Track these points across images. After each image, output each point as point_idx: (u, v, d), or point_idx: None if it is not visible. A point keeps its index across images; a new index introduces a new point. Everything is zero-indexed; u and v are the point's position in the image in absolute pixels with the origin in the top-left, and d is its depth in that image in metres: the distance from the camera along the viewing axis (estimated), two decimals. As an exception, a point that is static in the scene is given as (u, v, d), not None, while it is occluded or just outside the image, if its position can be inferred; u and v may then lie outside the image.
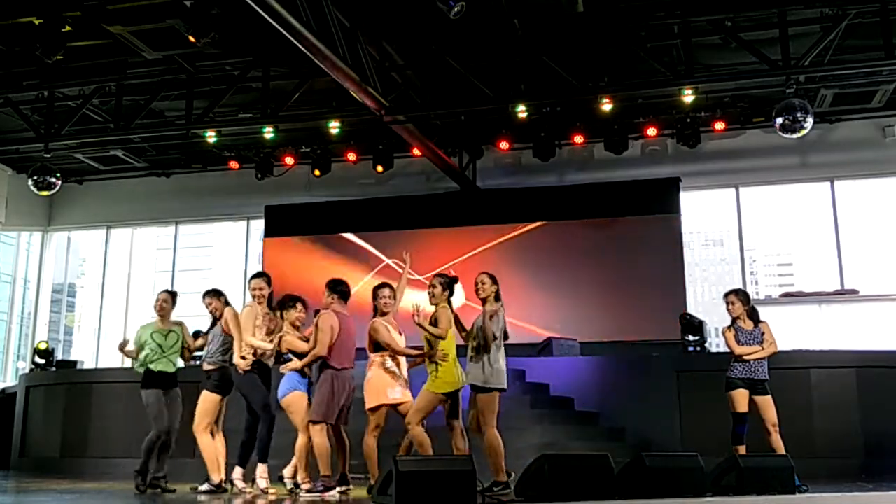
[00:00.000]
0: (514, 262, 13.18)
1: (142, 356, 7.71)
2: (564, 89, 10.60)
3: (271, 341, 7.26)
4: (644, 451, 7.00)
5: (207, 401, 7.39)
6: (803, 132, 10.69)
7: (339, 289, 7.27)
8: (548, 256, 13.08)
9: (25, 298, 15.52)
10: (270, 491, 7.18)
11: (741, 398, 7.54)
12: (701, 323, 10.76)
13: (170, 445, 7.65)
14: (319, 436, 6.83)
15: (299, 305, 7.34)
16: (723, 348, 8.16)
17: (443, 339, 6.89)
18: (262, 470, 7.21)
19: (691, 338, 10.64)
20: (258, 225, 14.60)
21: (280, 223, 14.22)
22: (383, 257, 13.51)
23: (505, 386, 7.00)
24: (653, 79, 10.63)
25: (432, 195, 13.88)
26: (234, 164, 13.97)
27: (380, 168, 13.46)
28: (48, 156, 12.26)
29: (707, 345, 10.76)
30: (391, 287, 7.31)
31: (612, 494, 6.09)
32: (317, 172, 13.64)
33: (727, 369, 7.72)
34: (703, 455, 6.71)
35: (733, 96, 12.13)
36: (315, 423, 6.83)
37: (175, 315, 7.93)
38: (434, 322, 6.94)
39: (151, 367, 7.66)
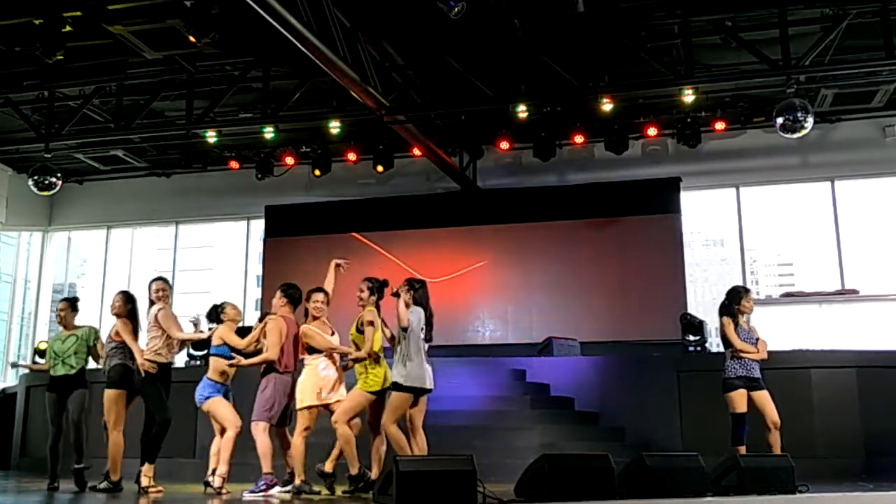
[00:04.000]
0: (515, 262, 13.19)
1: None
2: (565, 89, 10.60)
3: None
4: (644, 451, 6.99)
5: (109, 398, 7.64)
6: (804, 132, 10.69)
7: (290, 293, 7.50)
8: (548, 256, 13.07)
9: (26, 298, 15.52)
10: (152, 490, 7.29)
11: (740, 398, 7.54)
12: (701, 323, 10.76)
13: (81, 441, 7.92)
14: (262, 434, 7.05)
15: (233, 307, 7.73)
16: (724, 348, 8.15)
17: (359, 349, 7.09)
18: (146, 468, 7.37)
19: (692, 338, 10.64)
20: (258, 225, 14.60)
21: (280, 223, 14.22)
22: (388, 254, 13.51)
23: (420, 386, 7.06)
24: (653, 79, 10.64)
25: (433, 195, 13.88)
26: (234, 164, 13.97)
27: (380, 168, 13.46)
28: (48, 156, 12.26)
29: (707, 345, 10.76)
30: (326, 292, 7.44)
31: (613, 494, 6.08)
32: (317, 172, 13.64)
33: (723, 370, 7.71)
34: (704, 455, 6.69)
35: (733, 96, 12.13)
36: (258, 422, 7.06)
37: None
38: (361, 325, 7.12)
39: (51, 372, 8.06)
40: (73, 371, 8.07)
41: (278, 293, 7.53)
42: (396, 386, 6.96)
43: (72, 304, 8.45)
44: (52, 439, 8.09)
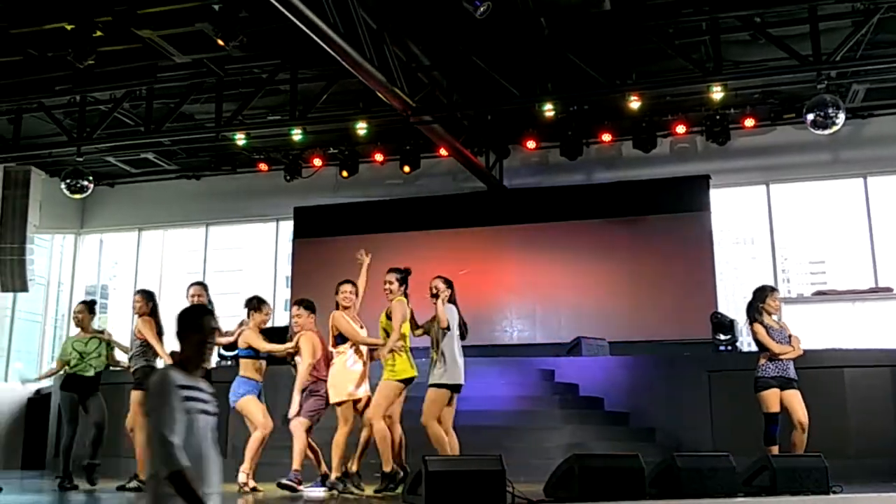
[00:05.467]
0: (542, 261, 13.15)
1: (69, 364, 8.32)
2: (592, 87, 10.54)
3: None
4: (675, 451, 6.96)
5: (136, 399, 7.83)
6: (835, 128, 10.55)
7: (305, 304, 7.73)
8: (576, 256, 13.02)
9: (59, 300, 15.73)
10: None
11: (773, 398, 7.48)
12: (732, 322, 10.66)
13: (101, 441, 8.24)
14: (303, 433, 7.29)
15: (265, 308, 7.84)
16: (755, 347, 8.08)
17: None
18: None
19: (722, 337, 10.56)
20: (287, 226, 14.68)
21: (309, 224, 14.29)
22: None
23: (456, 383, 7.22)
24: (681, 76, 10.55)
25: (459, 195, 13.87)
26: (263, 167, 14.08)
27: (407, 168, 13.48)
28: (80, 159, 12.42)
29: (738, 344, 10.66)
30: (353, 283, 7.57)
31: (643, 495, 6.06)
32: (344, 174, 13.69)
33: (756, 369, 7.65)
34: (735, 455, 6.65)
35: (763, 93, 12.00)
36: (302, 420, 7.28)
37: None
38: (388, 315, 7.23)
39: (73, 371, 8.24)
40: (94, 373, 8.19)
41: (295, 309, 7.73)
42: (436, 384, 7.00)
43: (89, 307, 8.59)
44: (67, 440, 8.19)
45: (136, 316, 8.17)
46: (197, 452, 3.15)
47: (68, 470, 8.14)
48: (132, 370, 7.95)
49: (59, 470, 8.26)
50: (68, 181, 12.86)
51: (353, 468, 7.34)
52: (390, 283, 7.36)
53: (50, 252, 15.92)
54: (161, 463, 3.08)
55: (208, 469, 3.20)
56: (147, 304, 8.04)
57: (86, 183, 12.90)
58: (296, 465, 7.16)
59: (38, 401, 13.40)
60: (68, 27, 8.87)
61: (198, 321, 3.44)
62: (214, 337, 3.47)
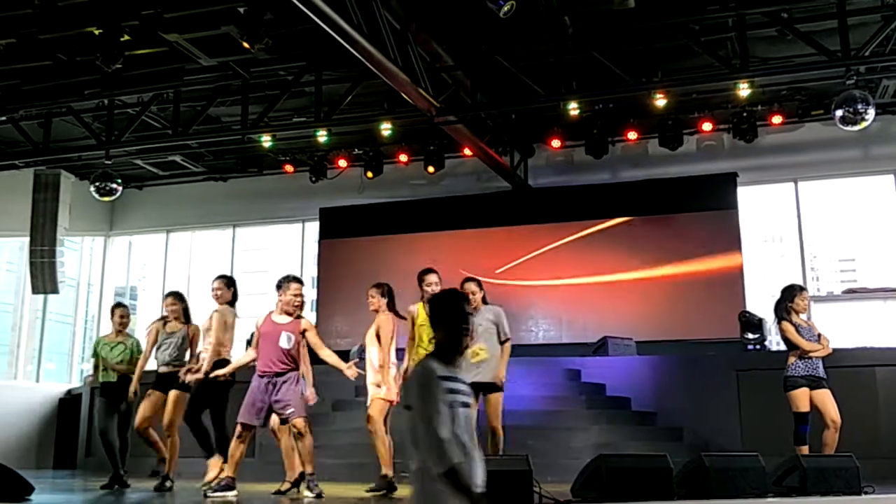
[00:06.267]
0: (568, 260, 13.10)
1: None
2: (617, 85, 10.48)
3: None
4: (703, 451, 6.91)
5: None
6: (864, 124, 10.42)
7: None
8: (602, 255, 12.96)
9: (89, 302, 15.93)
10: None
11: (803, 397, 7.40)
12: (760, 321, 10.57)
13: (125, 446, 8.38)
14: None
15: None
16: (784, 346, 8.00)
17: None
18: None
19: (751, 336, 10.47)
20: (313, 227, 14.75)
21: (334, 225, 14.35)
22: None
23: None
24: (707, 73, 10.45)
25: (484, 195, 13.85)
26: (288, 168, 14.16)
27: (431, 169, 13.49)
28: (109, 162, 12.57)
29: (767, 343, 10.56)
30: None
31: (671, 495, 6.02)
32: (369, 174, 13.73)
33: (785, 368, 7.58)
34: (765, 455, 6.60)
35: (790, 89, 11.86)
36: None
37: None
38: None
39: (101, 378, 8.33)
40: (115, 379, 8.28)
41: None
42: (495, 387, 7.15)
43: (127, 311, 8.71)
44: (107, 445, 8.27)
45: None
46: (461, 448, 2.95)
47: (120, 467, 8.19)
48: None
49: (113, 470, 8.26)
50: (97, 184, 13.02)
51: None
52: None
53: (80, 254, 16.12)
54: (434, 459, 2.89)
55: (473, 464, 3.00)
56: (180, 305, 8.15)
57: (114, 186, 13.05)
58: (310, 467, 7.16)
59: (70, 401, 13.59)
60: (96, 32, 8.97)
61: (455, 306, 3.22)
62: (469, 323, 3.20)
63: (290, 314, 7.15)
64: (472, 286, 7.30)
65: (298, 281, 7.31)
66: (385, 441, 7.16)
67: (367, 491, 7.18)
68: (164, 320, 8.25)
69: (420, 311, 7.37)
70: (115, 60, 8.90)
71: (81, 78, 10.71)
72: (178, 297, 8.37)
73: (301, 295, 7.30)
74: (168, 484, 7.83)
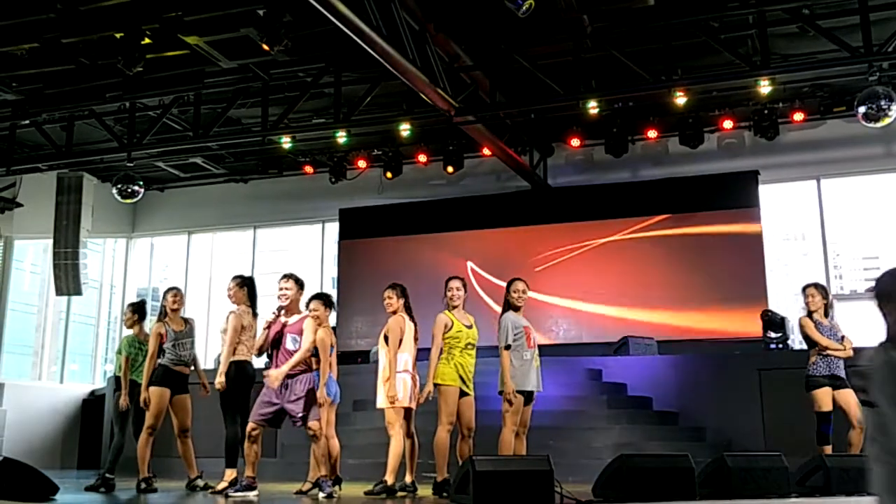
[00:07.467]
0: (588, 260, 13.07)
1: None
2: (636, 84, 10.43)
3: None
4: (725, 451, 6.87)
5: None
6: (888, 120, 10.31)
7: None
8: (623, 254, 12.91)
9: (112, 303, 16.06)
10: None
11: (825, 396, 7.34)
12: (783, 319, 10.49)
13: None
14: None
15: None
16: (806, 345, 7.93)
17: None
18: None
19: (773, 335, 10.40)
20: (333, 228, 14.80)
21: (354, 225, 14.40)
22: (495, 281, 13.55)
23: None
24: (728, 70, 10.39)
25: (503, 195, 13.85)
26: (308, 169, 14.22)
27: (450, 169, 13.50)
28: (131, 165, 12.67)
29: (790, 342, 10.48)
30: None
31: (694, 495, 5.99)
32: (389, 175, 13.77)
33: (806, 367, 7.52)
34: (788, 455, 6.55)
35: (812, 86, 11.76)
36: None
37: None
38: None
39: (133, 377, 8.32)
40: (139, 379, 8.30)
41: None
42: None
43: (138, 307, 8.76)
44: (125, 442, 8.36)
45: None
46: None
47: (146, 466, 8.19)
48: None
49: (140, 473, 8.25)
50: (119, 186, 13.12)
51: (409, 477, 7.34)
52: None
53: (102, 256, 16.27)
54: None
55: None
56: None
57: (136, 188, 13.14)
58: (324, 469, 7.07)
59: (93, 402, 13.71)
60: (117, 35, 9.05)
61: None
62: None
63: (296, 313, 7.13)
64: (520, 285, 7.27)
65: (286, 276, 7.26)
66: (398, 448, 6.92)
67: (365, 493, 7.12)
68: (163, 319, 8.07)
69: (453, 319, 7.17)
70: (136, 63, 8.97)
71: (103, 81, 10.81)
72: (179, 289, 8.33)
73: (284, 289, 7.16)
74: (200, 483, 7.87)
